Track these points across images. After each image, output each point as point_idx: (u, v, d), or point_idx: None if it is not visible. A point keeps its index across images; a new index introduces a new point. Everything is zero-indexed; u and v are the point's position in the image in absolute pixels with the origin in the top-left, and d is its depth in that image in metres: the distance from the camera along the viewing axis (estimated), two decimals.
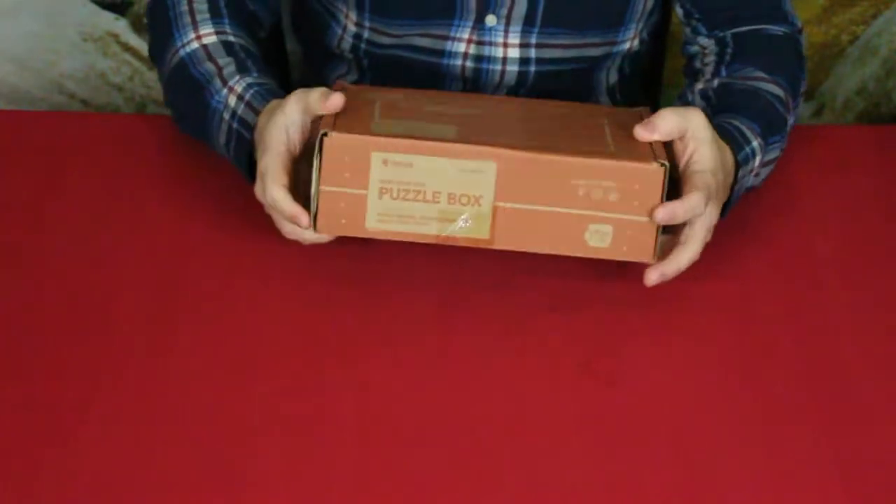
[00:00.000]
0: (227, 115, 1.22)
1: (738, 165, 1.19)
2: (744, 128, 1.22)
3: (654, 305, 1.16)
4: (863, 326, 1.16)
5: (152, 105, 2.03)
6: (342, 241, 1.19)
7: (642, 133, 1.12)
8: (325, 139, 1.07)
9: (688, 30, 1.39)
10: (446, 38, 1.38)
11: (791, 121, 1.30)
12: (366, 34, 1.41)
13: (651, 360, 1.12)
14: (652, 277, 1.12)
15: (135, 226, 1.25)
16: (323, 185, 1.07)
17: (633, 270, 1.15)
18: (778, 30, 1.35)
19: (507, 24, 1.37)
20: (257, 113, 1.20)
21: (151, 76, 2.01)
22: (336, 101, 1.10)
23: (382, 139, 1.07)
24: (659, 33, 1.53)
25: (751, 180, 1.24)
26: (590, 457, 1.03)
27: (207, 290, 1.18)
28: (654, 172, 1.07)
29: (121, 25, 1.98)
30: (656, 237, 1.09)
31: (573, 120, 1.17)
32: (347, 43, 1.43)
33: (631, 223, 1.08)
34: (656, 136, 1.12)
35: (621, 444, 1.04)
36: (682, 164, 1.13)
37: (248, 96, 1.22)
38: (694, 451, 1.04)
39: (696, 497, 1.01)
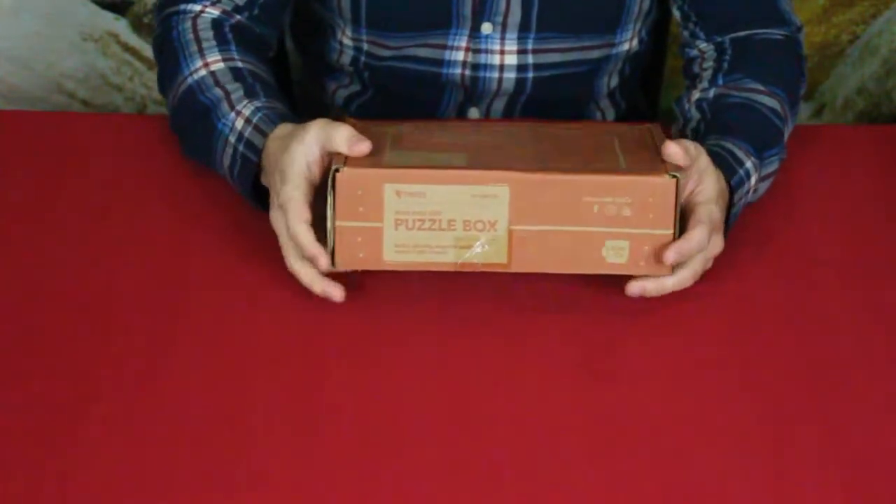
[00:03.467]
0: (232, 139, 1.20)
1: (732, 190, 1.19)
2: (736, 150, 1.22)
3: (654, 305, 1.15)
4: (863, 326, 1.16)
5: (152, 105, 2.03)
6: None
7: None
8: (338, 175, 1.07)
9: (686, 33, 1.39)
10: (444, 47, 1.38)
11: (788, 129, 1.30)
12: (365, 46, 1.41)
13: (650, 360, 1.12)
14: (633, 289, 1.13)
15: (135, 226, 1.25)
16: (339, 221, 1.07)
17: None
18: (777, 33, 1.35)
19: (503, 31, 1.37)
20: (265, 136, 1.18)
21: (151, 76, 2.02)
22: (364, 147, 1.09)
23: (393, 171, 1.07)
24: (658, 31, 1.53)
25: (749, 198, 1.24)
26: (589, 457, 1.03)
27: (207, 291, 1.18)
28: (666, 185, 1.08)
29: (121, 25, 1.98)
30: None
31: (582, 138, 1.17)
32: (347, 56, 1.43)
33: (647, 237, 1.09)
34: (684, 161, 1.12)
35: (621, 445, 1.04)
36: (686, 195, 1.14)
37: (255, 119, 1.20)
38: (694, 451, 1.04)
39: (695, 497, 1.01)
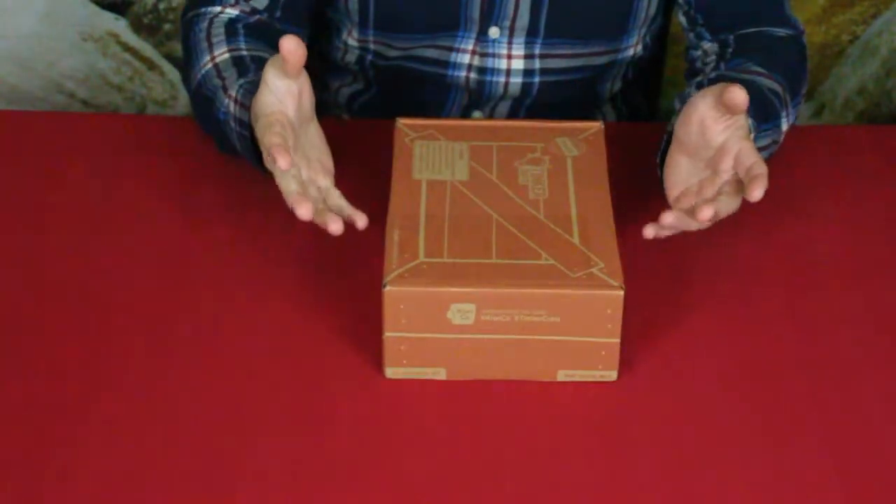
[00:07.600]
0: (233, 124, 1.20)
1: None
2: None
3: (654, 305, 1.16)
4: (863, 326, 1.16)
5: (152, 105, 2.03)
6: (336, 243, 1.20)
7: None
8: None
9: (691, 35, 1.38)
10: (451, 49, 1.38)
11: (787, 118, 1.29)
12: (371, 46, 1.41)
13: (651, 360, 1.12)
14: (706, 213, 1.09)
15: (135, 226, 1.25)
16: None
17: (632, 270, 1.15)
18: (781, 32, 1.35)
19: (511, 35, 1.36)
20: (248, 109, 1.18)
21: (151, 76, 2.02)
22: (289, 44, 1.07)
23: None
24: (661, 36, 1.53)
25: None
26: (590, 457, 1.03)
27: (207, 290, 1.18)
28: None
29: (121, 25, 1.98)
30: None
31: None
32: (353, 55, 1.43)
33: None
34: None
35: (621, 445, 1.04)
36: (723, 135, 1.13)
37: (239, 97, 1.20)
38: (694, 452, 1.04)
39: (696, 497, 1.01)
